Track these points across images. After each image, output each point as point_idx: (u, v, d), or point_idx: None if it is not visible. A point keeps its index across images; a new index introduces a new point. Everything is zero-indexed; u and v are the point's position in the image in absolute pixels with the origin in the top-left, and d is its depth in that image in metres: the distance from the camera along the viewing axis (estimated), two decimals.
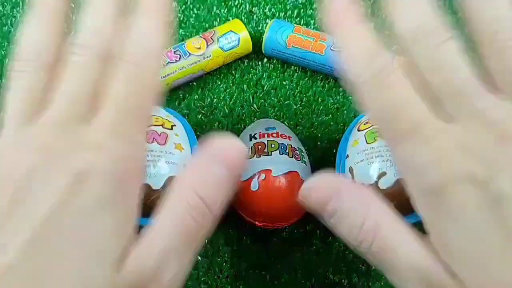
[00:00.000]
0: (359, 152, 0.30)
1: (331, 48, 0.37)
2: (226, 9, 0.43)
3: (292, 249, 0.32)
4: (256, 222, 0.30)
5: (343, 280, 0.31)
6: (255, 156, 0.30)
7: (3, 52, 0.41)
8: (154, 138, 0.29)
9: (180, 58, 0.36)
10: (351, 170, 0.30)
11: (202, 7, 0.43)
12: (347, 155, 0.31)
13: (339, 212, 0.18)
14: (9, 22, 0.42)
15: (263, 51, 0.39)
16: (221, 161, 0.17)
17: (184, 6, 0.43)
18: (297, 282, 0.31)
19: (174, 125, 0.32)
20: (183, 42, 0.38)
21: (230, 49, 0.38)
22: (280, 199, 0.29)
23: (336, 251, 0.32)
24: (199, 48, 0.37)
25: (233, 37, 0.38)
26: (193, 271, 0.31)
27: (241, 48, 0.38)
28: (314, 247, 0.32)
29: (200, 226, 0.17)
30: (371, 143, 0.29)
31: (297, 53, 0.38)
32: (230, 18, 0.42)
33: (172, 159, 0.29)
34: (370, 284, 0.31)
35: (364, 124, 0.31)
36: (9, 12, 0.43)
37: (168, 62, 0.36)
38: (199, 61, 0.37)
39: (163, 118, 0.31)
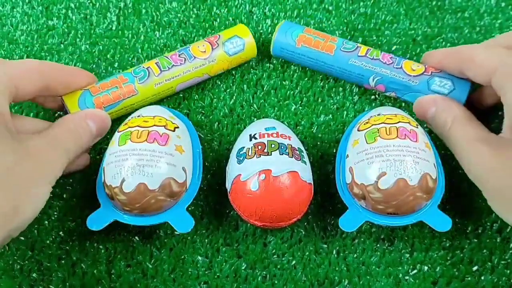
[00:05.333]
0: (359, 152, 0.30)
1: (341, 49, 0.37)
2: (226, 9, 0.43)
3: (292, 249, 0.32)
4: (256, 222, 0.30)
5: (343, 280, 0.31)
6: (255, 156, 0.30)
7: (3, 52, 0.41)
8: (155, 138, 0.29)
9: (184, 61, 0.36)
10: (351, 170, 0.30)
11: (202, 7, 0.43)
12: (347, 155, 0.31)
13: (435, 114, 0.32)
14: (9, 22, 0.42)
15: (271, 51, 0.39)
16: (92, 119, 0.31)
17: (184, 6, 0.43)
18: (297, 281, 0.31)
19: (177, 127, 0.31)
20: (188, 46, 0.37)
21: (235, 54, 0.37)
22: (280, 199, 0.29)
23: (336, 251, 0.32)
24: (204, 52, 0.37)
25: (238, 42, 0.37)
26: (193, 270, 0.31)
27: (246, 53, 0.38)
28: (314, 247, 0.32)
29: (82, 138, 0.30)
30: (371, 143, 0.29)
31: (307, 52, 0.37)
32: (230, 18, 0.42)
33: (171, 161, 0.29)
34: (370, 284, 0.31)
35: (364, 124, 0.31)
36: (9, 12, 0.43)
37: (173, 65, 0.36)
38: (203, 64, 0.36)
39: (166, 119, 0.31)
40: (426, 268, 0.31)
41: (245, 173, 0.29)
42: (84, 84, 0.34)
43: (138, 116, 0.31)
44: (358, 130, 0.31)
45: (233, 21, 0.42)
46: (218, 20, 0.42)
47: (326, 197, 0.34)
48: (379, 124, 0.30)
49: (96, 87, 0.35)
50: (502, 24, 0.42)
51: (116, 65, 0.40)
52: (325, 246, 0.32)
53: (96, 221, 0.30)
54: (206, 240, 0.32)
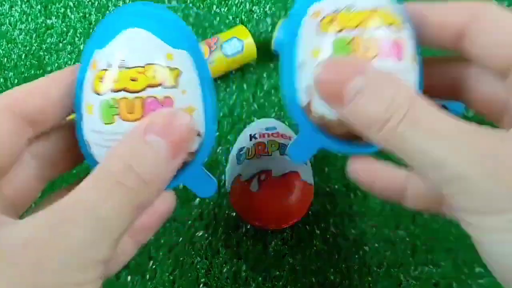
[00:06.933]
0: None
1: None
2: (226, 8, 0.43)
3: (292, 250, 0.32)
4: (256, 223, 0.30)
5: (343, 281, 0.31)
6: (255, 156, 0.30)
7: (1, 52, 0.40)
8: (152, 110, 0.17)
9: None
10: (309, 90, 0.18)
11: (202, 6, 0.43)
12: (302, 61, 0.19)
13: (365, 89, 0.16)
14: (7, 21, 0.42)
15: (272, 47, 0.38)
16: (156, 131, 0.16)
17: (184, 5, 0.43)
18: (297, 283, 0.31)
19: (182, 71, 0.18)
20: None
21: (233, 55, 0.37)
22: (281, 200, 0.29)
23: (336, 252, 0.32)
24: None
25: (236, 43, 0.37)
26: (193, 272, 0.31)
27: (245, 54, 0.37)
28: (314, 247, 0.32)
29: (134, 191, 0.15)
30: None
31: None
32: (230, 17, 0.42)
33: None
34: (370, 284, 0.31)
35: (329, 22, 0.18)
36: (7, 11, 0.43)
37: None
38: None
39: (162, 65, 0.17)
40: (427, 269, 0.31)
41: (245, 173, 0.29)
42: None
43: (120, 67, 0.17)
44: (320, 31, 0.18)
45: (233, 20, 0.42)
46: (218, 18, 0.42)
47: (326, 197, 0.33)
48: (351, 29, 0.18)
49: None
50: None
51: None
52: (325, 246, 0.32)
53: None
54: (206, 241, 0.32)
